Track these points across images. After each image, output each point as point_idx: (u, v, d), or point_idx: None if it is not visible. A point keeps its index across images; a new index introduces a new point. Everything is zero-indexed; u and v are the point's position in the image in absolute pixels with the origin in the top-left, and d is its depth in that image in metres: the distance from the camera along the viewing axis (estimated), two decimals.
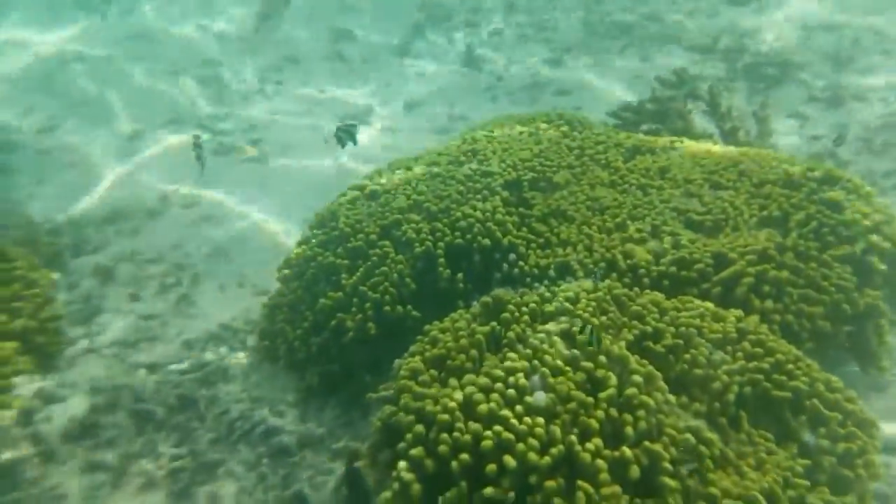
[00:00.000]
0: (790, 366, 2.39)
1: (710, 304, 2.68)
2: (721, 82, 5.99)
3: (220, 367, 3.21)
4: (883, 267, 3.01)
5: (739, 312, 2.64)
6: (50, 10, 8.45)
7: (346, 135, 3.28)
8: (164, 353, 3.33)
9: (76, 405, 2.98)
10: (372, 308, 3.03)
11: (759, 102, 5.09)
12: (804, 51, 6.54)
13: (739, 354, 2.43)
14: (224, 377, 3.16)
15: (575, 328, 2.37)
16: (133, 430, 2.92)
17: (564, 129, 3.95)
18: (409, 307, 3.05)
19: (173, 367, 3.21)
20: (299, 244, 3.55)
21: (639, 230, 3.15)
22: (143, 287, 3.79)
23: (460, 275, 3.11)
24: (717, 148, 3.77)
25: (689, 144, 3.83)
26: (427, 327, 2.66)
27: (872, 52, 6.39)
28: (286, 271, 3.46)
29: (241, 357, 3.29)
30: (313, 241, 3.46)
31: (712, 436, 2.14)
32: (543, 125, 3.99)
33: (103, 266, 3.93)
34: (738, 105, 5.30)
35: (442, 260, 3.12)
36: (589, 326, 2.28)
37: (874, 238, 3.08)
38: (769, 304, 2.78)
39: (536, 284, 3.06)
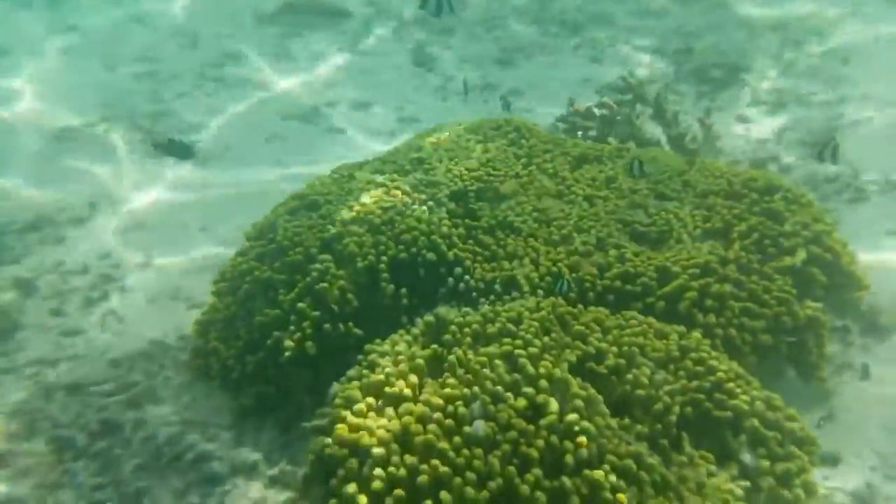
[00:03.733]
0: (731, 384, 2.38)
1: (652, 320, 2.66)
2: (669, 85, 6.02)
3: (149, 387, 3.03)
4: (823, 278, 3.05)
5: (682, 329, 2.63)
6: None
7: None
8: (88, 372, 3.13)
9: None
10: (311, 326, 2.90)
11: (704, 109, 5.13)
12: (749, 52, 6.64)
13: (681, 373, 2.41)
14: (153, 398, 2.99)
15: (518, 350, 2.31)
16: (51, 458, 2.72)
17: (512, 136, 3.88)
18: (351, 325, 2.93)
19: (97, 388, 3.01)
20: (235, 256, 3.38)
21: (584, 242, 3.10)
22: (67, 301, 3.56)
23: (404, 290, 3.01)
24: (663, 156, 3.76)
25: (635, 152, 3.81)
26: (367, 347, 2.56)
27: (815, 53, 6.53)
28: (221, 284, 3.29)
29: (172, 376, 3.11)
30: (250, 253, 3.30)
31: (653, 460, 2.11)
32: (491, 132, 3.91)
33: (24, 278, 3.67)
34: (684, 109, 5.34)
35: (385, 275, 3.02)
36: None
37: (814, 249, 3.11)
38: (711, 318, 2.78)
39: (482, 300, 2.99)
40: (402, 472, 1.95)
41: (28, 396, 3.03)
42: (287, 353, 2.86)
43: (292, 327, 2.90)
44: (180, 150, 4.01)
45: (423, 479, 1.92)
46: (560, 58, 6.99)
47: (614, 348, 2.41)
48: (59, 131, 5.50)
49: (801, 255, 3.07)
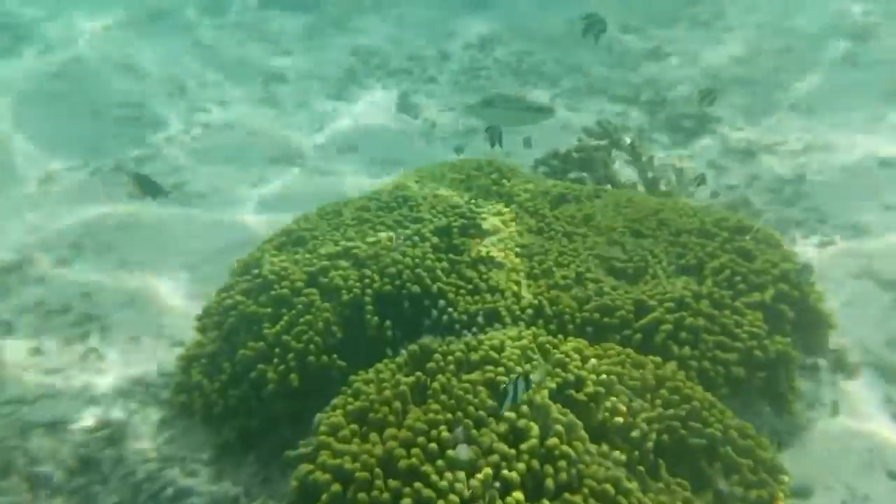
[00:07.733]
0: (705, 413, 2.45)
1: (630, 351, 2.73)
2: (643, 133, 6.28)
3: (129, 424, 3.00)
4: (791, 314, 3.16)
5: (658, 359, 2.70)
6: None
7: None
8: (67, 410, 3.10)
9: None
10: (295, 359, 2.92)
11: (678, 155, 5.35)
12: (719, 103, 6.95)
13: (658, 402, 2.48)
14: (133, 435, 2.96)
15: (500, 378, 2.37)
16: (27, 495, 2.68)
17: (494, 176, 4.01)
18: (335, 357, 2.97)
19: (76, 425, 2.98)
20: (220, 291, 3.42)
21: (564, 277, 3.20)
22: (47, 340, 3.54)
23: (389, 322, 3.06)
24: (638, 197, 3.91)
25: (611, 192, 3.96)
26: (351, 378, 2.59)
27: (781, 105, 6.86)
28: (205, 320, 3.32)
29: (153, 413, 3.09)
30: (235, 288, 3.34)
31: (631, 485, 2.15)
32: (474, 172, 4.05)
33: (2, 319, 3.66)
34: (658, 155, 5.56)
35: (370, 307, 3.07)
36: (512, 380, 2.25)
37: (783, 286, 3.24)
38: (686, 350, 2.86)
39: (465, 332, 3.05)
40: (386, 496, 1.97)
41: (3, 434, 2.99)
42: (270, 386, 2.87)
43: (276, 360, 2.93)
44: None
45: (406, 501, 1.94)
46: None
47: (593, 376, 2.48)
48: None
49: (771, 291, 3.19)
